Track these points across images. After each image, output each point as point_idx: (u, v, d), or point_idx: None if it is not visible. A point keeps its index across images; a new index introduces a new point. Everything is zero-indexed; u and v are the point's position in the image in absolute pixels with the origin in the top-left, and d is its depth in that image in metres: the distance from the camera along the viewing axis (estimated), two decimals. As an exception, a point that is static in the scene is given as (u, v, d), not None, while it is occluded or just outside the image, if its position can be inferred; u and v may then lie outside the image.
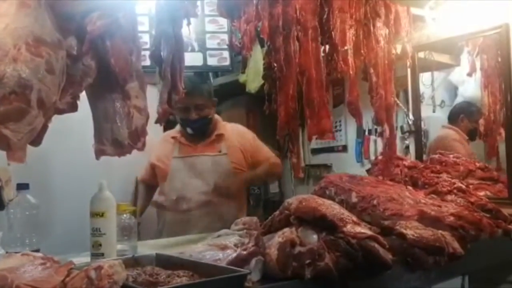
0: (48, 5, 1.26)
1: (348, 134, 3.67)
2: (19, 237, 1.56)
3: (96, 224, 1.54)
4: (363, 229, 1.44)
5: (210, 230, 2.03)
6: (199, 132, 2.52)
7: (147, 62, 1.82)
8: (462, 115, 3.11)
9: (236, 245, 1.44)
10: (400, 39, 2.43)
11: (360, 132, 3.52)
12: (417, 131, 2.93)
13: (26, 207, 1.58)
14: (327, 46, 2.07)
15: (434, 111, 3.22)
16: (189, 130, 2.52)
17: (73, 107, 1.37)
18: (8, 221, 1.58)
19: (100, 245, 1.52)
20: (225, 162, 2.48)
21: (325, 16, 2.02)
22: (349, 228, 1.41)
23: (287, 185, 3.98)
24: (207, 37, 3.25)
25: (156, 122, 1.59)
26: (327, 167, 3.81)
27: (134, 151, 1.48)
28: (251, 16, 2.07)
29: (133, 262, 1.32)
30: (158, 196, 2.58)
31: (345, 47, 2.04)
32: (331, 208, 1.48)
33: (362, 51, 2.15)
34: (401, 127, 3.11)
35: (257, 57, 3.07)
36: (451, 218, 1.74)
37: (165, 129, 2.78)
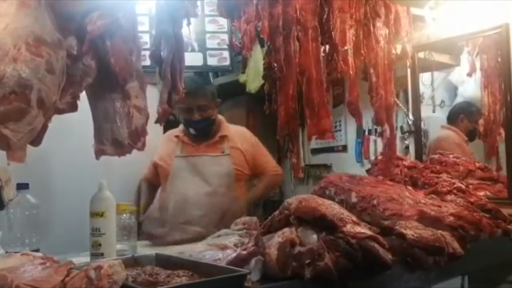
0: (48, 5, 1.26)
1: (348, 134, 3.67)
2: (19, 237, 1.56)
3: (96, 224, 1.54)
4: (363, 229, 1.44)
5: (210, 229, 2.03)
6: (202, 133, 2.53)
7: (147, 62, 1.82)
8: (462, 115, 3.11)
9: (236, 245, 1.44)
10: (400, 39, 2.43)
11: (360, 132, 3.52)
12: (417, 131, 2.94)
13: (26, 207, 1.58)
14: (327, 46, 2.07)
15: (434, 111, 3.22)
16: (191, 131, 2.52)
17: (73, 107, 1.37)
18: (8, 221, 1.58)
19: (100, 245, 1.52)
20: (226, 163, 2.49)
21: (325, 16, 2.02)
22: (348, 228, 1.41)
23: (286, 185, 3.97)
24: (207, 37, 3.25)
25: (156, 122, 1.59)
26: (327, 167, 3.81)
27: (134, 151, 1.48)
28: (251, 16, 2.07)
29: (132, 262, 1.32)
30: (160, 195, 2.59)
31: (345, 47, 2.04)
32: (331, 208, 1.48)
33: (362, 51, 2.15)
34: (401, 127, 3.11)
35: (257, 57, 3.07)
36: (451, 218, 1.75)
37: (165, 129, 2.78)
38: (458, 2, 2.54)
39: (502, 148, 2.56)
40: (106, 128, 1.43)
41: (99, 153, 1.44)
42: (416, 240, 1.55)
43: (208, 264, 1.29)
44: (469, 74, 3.13)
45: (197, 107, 2.45)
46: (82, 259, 1.49)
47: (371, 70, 2.23)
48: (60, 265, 1.14)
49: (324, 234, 1.40)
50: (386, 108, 2.27)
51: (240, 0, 2.05)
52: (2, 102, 1.14)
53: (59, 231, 2.34)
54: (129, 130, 1.44)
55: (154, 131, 1.75)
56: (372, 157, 3.30)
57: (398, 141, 2.82)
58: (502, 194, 2.41)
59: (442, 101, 3.28)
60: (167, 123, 2.52)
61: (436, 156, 2.63)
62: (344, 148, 3.71)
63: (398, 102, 2.86)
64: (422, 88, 3.01)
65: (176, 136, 2.58)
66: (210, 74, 3.62)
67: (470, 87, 3.19)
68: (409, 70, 2.88)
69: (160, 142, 2.68)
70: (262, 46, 2.61)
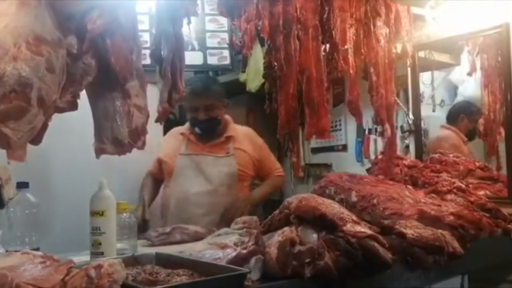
0: (48, 4, 1.26)
1: (348, 133, 3.67)
2: (19, 236, 1.56)
3: (96, 223, 1.54)
4: (363, 228, 1.44)
5: (211, 229, 2.03)
6: (207, 132, 2.53)
7: (148, 61, 1.82)
8: (462, 115, 3.10)
9: (236, 244, 1.44)
10: (401, 38, 2.43)
11: (360, 131, 3.51)
12: (417, 131, 2.94)
13: (26, 206, 1.57)
14: (328, 45, 2.07)
15: (434, 111, 3.22)
16: (197, 130, 2.53)
17: (73, 106, 1.37)
18: (8, 220, 1.58)
19: (100, 244, 1.52)
20: (231, 163, 2.49)
21: (325, 15, 2.02)
22: (348, 227, 1.41)
23: (287, 184, 3.97)
24: (207, 36, 3.25)
25: (156, 121, 1.59)
26: (327, 166, 3.81)
27: (134, 150, 1.48)
28: (252, 15, 2.07)
29: (132, 261, 1.32)
30: (163, 191, 2.59)
31: (346, 46, 2.04)
32: (331, 207, 1.48)
33: (362, 50, 2.15)
34: (401, 127, 3.11)
35: (257, 56, 3.06)
36: (451, 217, 1.75)
37: (165, 128, 2.79)
38: (458, 2, 2.54)
39: (502, 147, 2.56)
40: (106, 127, 1.43)
41: (99, 152, 1.44)
42: (416, 239, 1.55)
43: (208, 263, 1.29)
44: (469, 74, 3.12)
45: (203, 106, 2.46)
46: (82, 258, 1.49)
47: (372, 69, 2.23)
48: (60, 264, 1.14)
49: (324, 233, 1.40)
50: (386, 108, 2.27)
51: (240, -1, 2.06)
52: (2, 100, 1.14)
53: (59, 230, 2.34)
54: (129, 129, 1.44)
55: (154, 130, 1.75)
56: (372, 157, 3.30)
57: (398, 141, 2.82)
58: (502, 193, 2.41)
59: (442, 101, 3.27)
60: (167, 122, 2.52)
61: (436, 156, 2.63)
62: (344, 147, 3.70)
63: (398, 101, 2.86)
64: (422, 88, 3.00)
65: (182, 134, 2.58)
66: (210, 73, 3.62)
67: (470, 87, 3.19)
68: (409, 69, 2.88)
69: (164, 139, 2.69)
70: (262, 45, 2.61)
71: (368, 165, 3.15)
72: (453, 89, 3.32)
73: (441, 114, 3.21)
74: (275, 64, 1.95)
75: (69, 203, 2.42)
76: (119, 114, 1.43)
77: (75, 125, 2.10)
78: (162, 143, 2.68)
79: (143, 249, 1.74)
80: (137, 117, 1.45)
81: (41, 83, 1.18)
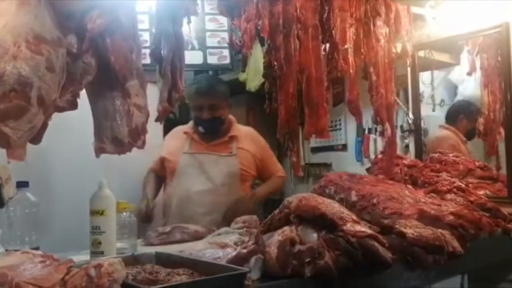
0: (48, 3, 1.26)
1: (348, 133, 3.67)
2: (19, 235, 1.55)
3: (96, 222, 1.54)
4: (363, 228, 1.44)
5: (212, 228, 2.03)
6: (211, 131, 2.54)
7: (147, 60, 1.82)
8: (461, 115, 3.09)
9: (236, 244, 1.44)
10: (400, 38, 2.43)
11: (360, 131, 3.51)
12: (416, 130, 2.94)
13: (25, 205, 1.57)
14: (327, 45, 2.07)
15: (433, 110, 3.21)
16: (200, 129, 2.54)
17: (73, 105, 1.37)
18: (8, 219, 1.57)
19: (100, 243, 1.52)
20: (233, 163, 2.50)
21: (325, 15, 2.02)
22: (348, 226, 1.41)
23: (286, 183, 3.97)
24: (207, 36, 3.25)
25: (156, 120, 1.59)
26: (327, 166, 3.81)
27: (134, 149, 1.48)
28: (252, 14, 2.07)
29: (132, 260, 1.32)
30: (165, 190, 2.59)
31: (345, 46, 2.04)
32: (331, 207, 1.48)
33: (362, 50, 2.15)
34: (401, 126, 3.11)
35: (257, 56, 3.06)
36: (451, 217, 1.75)
37: (165, 128, 2.79)
38: (458, 1, 2.54)
39: (502, 147, 2.56)
40: (106, 126, 1.42)
41: (99, 151, 1.44)
42: (416, 239, 1.55)
43: (208, 263, 1.29)
44: (469, 73, 3.12)
45: (208, 105, 2.47)
46: (82, 257, 1.48)
47: (371, 69, 2.23)
48: (60, 263, 1.14)
49: (324, 233, 1.40)
50: (386, 107, 2.27)
51: (240, -2, 2.06)
52: (2, 100, 1.14)
53: (59, 229, 2.34)
54: (129, 128, 1.44)
55: (154, 129, 1.75)
56: (372, 156, 3.30)
57: (398, 140, 2.82)
58: (502, 193, 2.41)
59: (442, 100, 3.27)
60: (167, 121, 2.52)
61: (436, 155, 2.63)
62: (344, 147, 3.70)
63: (398, 101, 2.86)
64: (422, 87, 3.00)
65: (185, 133, 2.59)
66: (210, 72, 3.62)
67: (470, 86, 3.19)
68: (409, 69, 2.88)
69: (168, 137, 2.70)
70: (262, 44, 2.61)
71: (368, 165, 3.15)
72: (453, 89, 3.32)
73: (440, 114, 3.20)
74: (275, 63, 1.95)
75: (69, 202, 2.42)
76: (119, 113, 1.43)
77: (75, 125, 2.10)
78: (165, 142, 2.69)
79: (143, 248, 1.74)
80: (137, 117, 1.45)
81: (41, 82, 1.18)
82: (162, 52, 1.55)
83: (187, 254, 1.37)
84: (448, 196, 2.02)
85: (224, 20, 3.21)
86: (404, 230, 1.58)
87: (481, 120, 3.06)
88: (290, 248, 1.35)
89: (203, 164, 2.49)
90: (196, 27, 3.13)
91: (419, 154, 2.87)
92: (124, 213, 1.68)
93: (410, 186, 2.11)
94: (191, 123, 2.62)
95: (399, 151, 2.76)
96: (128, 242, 1.67)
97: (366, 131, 3.47)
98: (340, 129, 3.70)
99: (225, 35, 3.24)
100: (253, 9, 2.05)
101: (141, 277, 1.16)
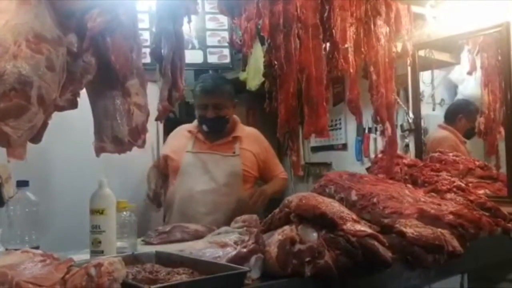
0: (49, 2, 1.26)
1: (348, 132, 3.67)
2: (19, 234, 1.55)
3: (96, 222, 1.54)
4: (363, 227, 1.44)
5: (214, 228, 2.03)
6: (215, 130, 2.54)
7: (148, 60, 1.82)
8: (460, 114, 3.09)
9: (236, 243, 1.44)
10: (401, 37, 2.43)
11: (360, 130, 3.52)
12: (417, 130, 2.94)
13: (26, 204, 1.57)
14: (328, 44, 2.07)
15: (434, 110, 3.22)
16: (204, 128, 2.53)
17: (73, 104, 1.37)
18: (8, 218, 1.57)
19: (100, 242, 1.52)
20: (236, 163, 2.50)
21: (325, 14, 2.02)
22: (349, 226, 1.41)
23: (286, 183, 3.97)
24: (207, 35, 3.25)
25: (157, 119, 1.59)
26: (327, 165, 3.81)
27: (135, 148, 1.48)
28: (252, 13, 2.07)
29: (132, 260, 1.32)
30: (167, 188, 2.60)
31: (346, 45, 2.04)
32: (331, 206, 1.48)
33: (362, 49, 2.15)
34: (401, 126, 3.11)
35: (257, 55, 3.06)
36: (451, 216, 1.75)
37: (165, 127, 2.78)
38: (458, 1, 2.54)
39: (502, 146, 2.56)
40: (106, 125, 1.42)
41: (99, 150, 1.43)
42: (416, 238, 1.55)
43: (208, 262, 1.29)
44: (469, 73, 3.12)
45: (212, 104, 2.47)
46: (82, 256, 1.48)
47: (372, 68, 2.23)
48: (60, 263, 1.14)
49: (324, 232, 1.40)
50: (387, 106, 2.27)
51: (240, -2, 2.06)
52: (2, 99, 1.14)
53: (59, 228, 2.34)
54: (129, 127, 1.44)
55: (154, 128, 1.75)
56: (372, 155, 3.30)
57: (398, 139, 2.82)
58: (502, 192, 2.41)
59: (442, 100, 3.27)
60: (168, 120, 2.52)
61: (436, 155, 2.63)
62: (344, 146, 3.71)
63: (398, 100, 2.86)
64: (422, 86, 3.00)
65: (190, 131, 2.59)
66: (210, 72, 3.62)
67: (470, 86, 3.18)
68: (409, 68, 2.88)
69: (171, 136, 2.70)
70: (262, 44, 2.61)
71: (368, 164, 3.15)
72: (453, 88, 3.32)
73: (441, 113, 3.21)
74: (275, 62, 1.95)
75: (69, 201, 2.42)
76: (119, 113, 1.43)
77: (75, 124, 2.10)
78: (168, 140, 2.69)
79: (143, 247, 1.74)
80: (137, 116, 1.45)
81: (41, 81, 1.18)
82: (162, 51, 1.55)
83: (187, 254, 1.37)
84: (448, 195, 2.02)
85: (224, 19, 3.20)
86: (404, 229, 1.58)
87: (481, 119, 3.05)
88: (290, 248, 1.35)
89: (206, 164, 2.49)
90: (197, 26, 3.13)
91: (419, 153, 2.87)
92: (124, 212, 1.68)
93: (410, 186, 2.11)
94: (195, 122, 2.63)
95: (399, 151, 2.76)
96: (128, 241, 1.67)
97: (366, 131, 3.47)
98: (340, 128, 3.70)
99: (226, 34, 3.24)
100: (254, 8, 2.05)
101: (141, 276, 1.16)
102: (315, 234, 1.40)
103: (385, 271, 1.41)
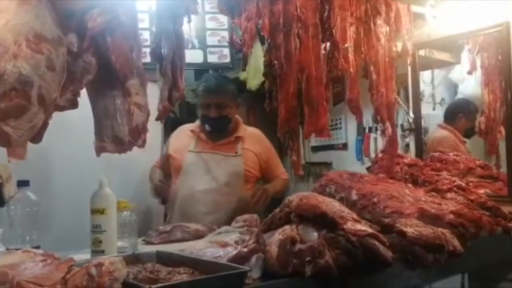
0: (49, 2, 1.26)
1: (348, 132, 3.66)
2: (20, 234, 1.56)
3: (97, 221, 1.54)
4: (363, 227, 1.44)
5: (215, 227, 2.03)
6: (217, 130, 2.54)
7: (148, 59, 1.82)
8: (460, 114, 3.09)
9: (236, 242, 1.44)
10: (401, 37, 2.43)
11: (360, 130, 3.51)
12: (417, 129, 2.93)
13: (26, 204, 1.58)
14: (328, 44, 2.07)
15: (434, 109, 3.21)
16: (207, 127, 2.54)
17: (73, 104, 1.37)
18: (9, 218, 1.58)
19: (101, 242, 1.52)
20: (238, 163, 2.50)
21: (325, 14, 2.02)
22: (349, 225, 1.41)
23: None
24: (207, 34, 3.25)
25: (157, 119, 1.59)
26: (327, 165, 3.81)
27: (135, 148, 1.48)
28: (252, 13, 2.07)
29: (133, 259, 1.32)
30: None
31: (346, 45, 2.04)
32: (332, 206, 1.48)
33: (362, 49, 2.15)
34: (402, 125, 3.11)
35: (257, 55, 3.06)
36: (451, 216, 1.75)
37: (165, 127, 2.78)
38: (458, 0, 2.54)
39: (502, 146, 2.56)
40: (107, 125, 1.42)
41: (99, 150, 1.43)
42: (416, 238, 1.55)
43: (208, 261, 1.29)
44: (470, 72, 3.12)
45: (215, 104, 2.47)
46: (82, 256, 1.49)
47: (372, 68, 2.23)
48: (61, 262, 1.14)
49: (324, 232, 1.40)
50: (387, 106, 2.27)
51: (240, -3, 2.06)
52: (3, 99, 1.14)
53: (59, 228, 2.34)
54: (129, 127, 1.44)
55: (154, 128, 1.75)
56: (373, 155, 3.30)
57: (398, 139, 2.82)
58: (502, 192, 2.41)
59: (442, 99, 3.27)
60: (168, 120, 2.52)
61: (436, 154, 2.63)
62: (345, 146, 3.70)
63: (398, 99, 2.86)
64: (422, 86, 3.00)
65: (192, 131, 2.59)
66: (210, 71, 3.62)
67: (470, 85, 3.18)
68: (409, 68, 2.88)
69: (174, 135, 2.70)
70: (262, 43, 2.61)
71: (368, 164, 3.15)
72: (453, 88, 3.32)
73: (441, 113, 3.20)
74: (275, 62, 1.95)
75: (70, 201, 2.42)
76: (119, 112, 1.43)
77: (76, 124, 2.10)
78: (170, 139, 2.69)
79: (144, 247, 1.74)
80: (137, 115, 1.45)
81: (41, 81, 1.18)
82: (162, 51, 1.55)
83: (187, 253, 1.37)
84: (449, 195, 2.02)
85: (224, 19, 3.20)
86: (404, 229, 1.58)
87: (481, 119, 3.05)
88: (290, 247, 1.35)
89: (208, 164, 2.49)
90: (197, 26, 3.13)
91: (419, 153, 2.87)
92: (125, 212, 1.69)
93: (410, 185, 2.11)
94: (197, 122, 2.63)
95: (399, 150, 2.76)
96: (129, 241, 1.67)
97: (367, 130, 3.47)
98: (340, 128, 3.70)
99: (226, 34, 3.24)
100: (254, 8, 2.05)
101: (142, 276, 1.16)
102: (315, 234, 1.40)
103: (385, 270, 1.41)
